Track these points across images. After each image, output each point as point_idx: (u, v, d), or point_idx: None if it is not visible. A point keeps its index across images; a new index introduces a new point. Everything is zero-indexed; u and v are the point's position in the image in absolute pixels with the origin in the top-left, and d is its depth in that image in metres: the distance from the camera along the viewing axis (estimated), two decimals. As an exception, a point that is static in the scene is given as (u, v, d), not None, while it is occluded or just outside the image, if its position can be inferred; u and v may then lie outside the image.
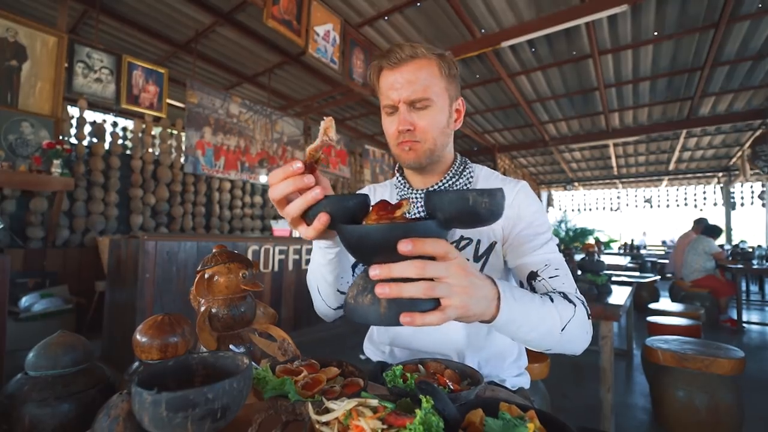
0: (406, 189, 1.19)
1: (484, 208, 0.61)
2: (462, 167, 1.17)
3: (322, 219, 0.66)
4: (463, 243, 1.11)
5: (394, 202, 1.20)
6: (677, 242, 6.89)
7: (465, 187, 1.14)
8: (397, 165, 1.25)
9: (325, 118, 0.71)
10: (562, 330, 0.82)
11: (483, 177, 1.20)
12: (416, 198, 1.15)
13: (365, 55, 5.56)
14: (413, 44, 1.03)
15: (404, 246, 0.56)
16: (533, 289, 1.01)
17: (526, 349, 1.25)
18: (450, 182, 1.14)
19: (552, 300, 0.85)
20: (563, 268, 1.02)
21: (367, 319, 0.61)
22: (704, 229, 6.40)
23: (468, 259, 1.09)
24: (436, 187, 1.13)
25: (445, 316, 0.60)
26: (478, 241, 1.11)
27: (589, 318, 0.91)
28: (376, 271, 0.59)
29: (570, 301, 0.88)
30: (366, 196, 0.70)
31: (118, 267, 3.64)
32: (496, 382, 1.11)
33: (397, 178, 1.24)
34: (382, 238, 0.58)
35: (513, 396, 1.05)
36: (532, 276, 1.01)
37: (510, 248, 1.08)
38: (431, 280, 0.59)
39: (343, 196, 0.68)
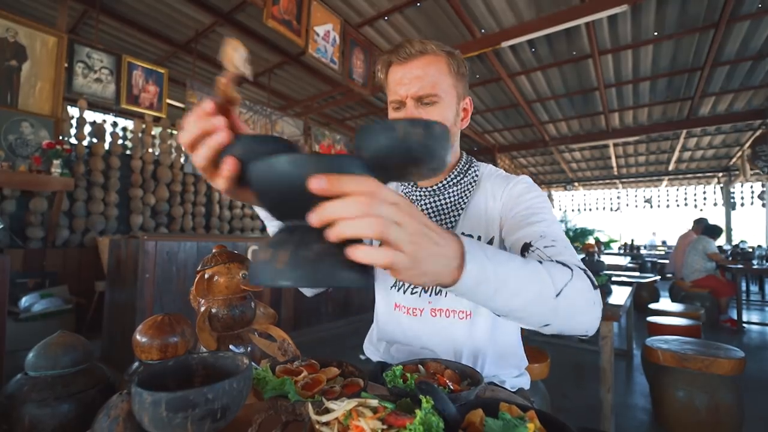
0: (410, 187, 1.18)
1: (417, 142, 0.50)
2: (467, 165, 1.17)
3: (228, 164, 0.56)
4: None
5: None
6: (677, 242, 6.90)
7: (470, 186, 1.14)
8: None
9: (229, 40, 0.62)
10: (557, 295, 0.68)
11: (487, 174, 1.19)
12: (419, 197, 1.15)
13: (365, 55, 5.56)
14: (423, 40, 1.03)
15: (317, 182, 0.44)
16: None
17: (526, 349, 1.25)
18: (455, 180, 1.13)
19: (541, 262, 0.72)
20: (562, 241, 0.92)
21: (293, 278, 0.46)
22: (704, 229, 6.40)
23: None
24: (440, 185, 1.13)
25: (394, 262, 0.48)
26: (479, 237, 1.10)
27: (595, 288, 0.78)
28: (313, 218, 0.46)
29: (566, 265, 0.75)
30: (290, 141, 0.58)
31: (118, 267, 3.64)
32: (495, 383, 1.11)
33: None
34: (292, 174, 0.46)
35: (513, 396, 1.04)
36: (526, 247, 0.93)
37: (506, 231, 1.04)
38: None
39: (260, 137, 0.56)
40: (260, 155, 0.49)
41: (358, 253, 0.46)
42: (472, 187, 1.14)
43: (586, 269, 0.81)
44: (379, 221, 0.46)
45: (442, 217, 1.12)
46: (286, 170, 0.46)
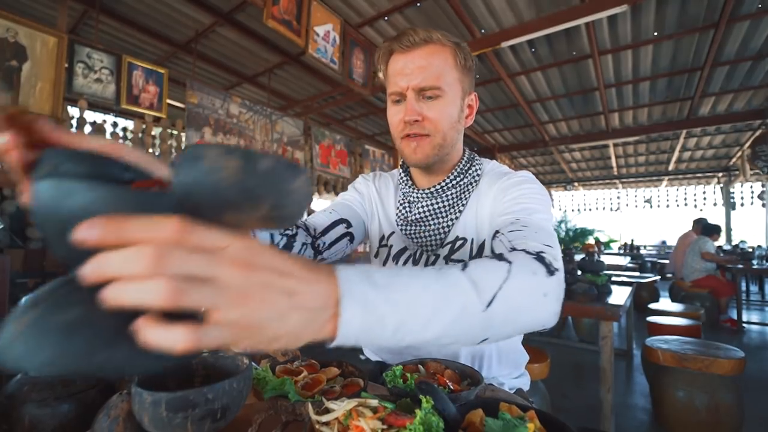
0: (410, 188, 1.14)
1: (226, 180, 0.35)
2: (468, 165, 1.11)
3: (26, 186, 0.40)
4: (458, 243, 1.06)
5: (396, 199, 1.20)
6: (677, 242, 6.90)
7: (470, 186, 1.09)
8: (401, 160, 1.18)
9: None
10: (488, 305, 0.54)
11: (487, 172, 1.13)
12: (418, 198, 1.11)
13: (365, 56, 5.56)
14: (428, 29, 0.96)
15: (88, 228, 0.30)
16: (492, 252, 0.78)
17: (526, 349, 1.24)
18: (455, 180, 1.08)
19: (465, 267, 0.57)
20: (535, 227, 0.80)
21: (30, 356, 0.29)
22: (703, 229, 6.40)
23: (463, 261, 0.80)
24: (439, 186, 1.08)
25: (206, 341, 0.33)
26: (472, 241, 1.06)
27: (552, 274, 0.64)
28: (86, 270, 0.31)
29: (503, 259, 0.63)
30: (127, 165, 0.43)
31: (118, 267, 3.63)
32: (494, 384, 1.10)
33: (401, 175, 1.18)
34: (61, 206, 0.33)
35: (513, 396, 1.04)
36: (494, 236, 0.84)
37: (492, 227, 0.96)
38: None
39: (74, 152, 0.37)
40: (67, 176, 0.34)
41: (143, 335, 0.32)
42: (472, 187, 1.10)
43: (543, 253, 0.68)
44: (172, 282, 0.31)
45: (439, 220, 1.07)
46: (53, 200, 0.32)
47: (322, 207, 1.18)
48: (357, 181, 1.30)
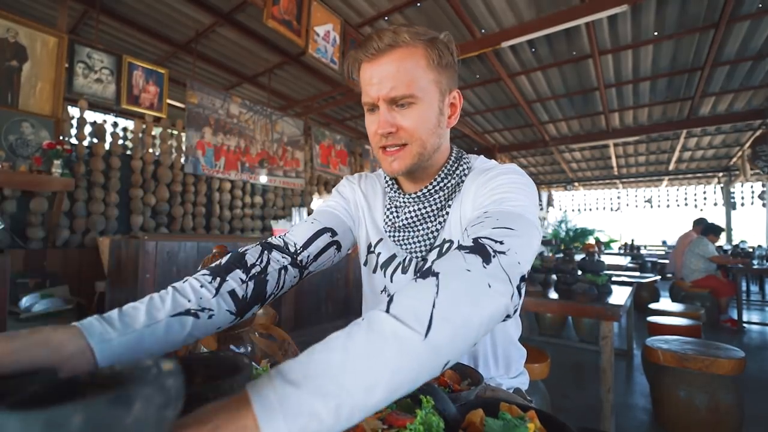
0: (396, 193, 1.10)
1: None
2: (455, 165, 1.06)
3: None
4: (446, 246, 1.04)
5: (383, 200, 1.17)
6: (677, 242, 6.89)
7: (457, 187, 1.05)
8: None
9: None
10: (426, 334, 0.49)
11: (474, 168, 1.09)
12: (405, 203, 1.07)
13: (365, 56, 5.56)
14: (396, 29, 0.89)
15: None
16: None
17: (526, 348, 1.24)
18: (442, 182, 1.04)
19: (390, 303, 0.54)
20: (497, 215, 0.76)
21: None
22: (704, 229, 6.40)
23: None
24: (425, 190, 1.04)
25: None
26: (459, 241, 1.00)
27: (489, 260, 0.61)
28: None
29: (429, 273, 0.58)
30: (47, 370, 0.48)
31: (118, 267, 3.64)
32: (492, 385, 1.10)
33: (386, 178, 1.14)
34: None
35: (513, 396, 1.04)
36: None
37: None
38: None
39: None
40: None
41: None
42: (459, 188, 1.06)
43: (482, 239, 0.66)
44: None
45: (428, 224, 1.04)
46: None
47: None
48: (342, 184, 1.25)
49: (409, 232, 1.05)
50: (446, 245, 1.03)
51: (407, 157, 0.96)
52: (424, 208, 1.04)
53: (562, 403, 3.21)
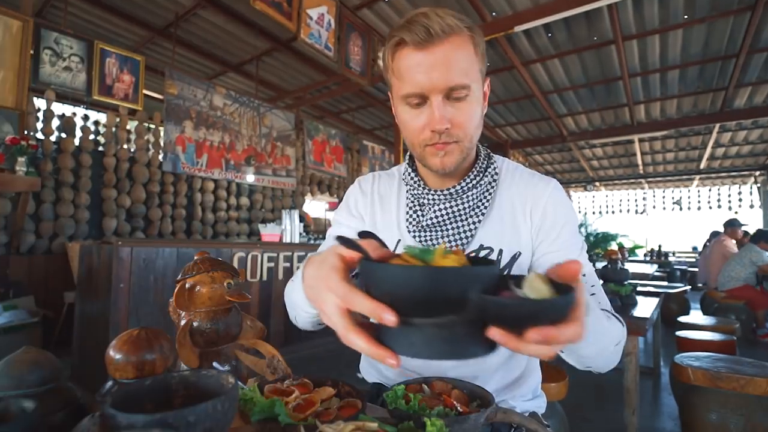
0: (420, 189, 1.10)
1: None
2: (486, 162, 1.10)
3: None
4: (483, 252, 1.06)
5: (402, 201, 1.19)
6: (711, 248, 6.89)
7: (490, 187, 1.09)
8: (408, 156, 1.17)
9: None
10: (615, 345, 0.89)
11: (506, 171, 1.14)
12: (433, 200, 1.08)
13: (363, 41, 5.58)
14: (440, 13, 0.89)
15: (536, 335, 0.47)
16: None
17: (542, 367, 1.24)
18: (477, 179, 1.06)
19: (608, 316, 0.90)
20: (598, 284, 1.03)
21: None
22: (755, 236, 6.39)
23: None
24: (459, 187, 1.05)
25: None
26: (500, 251, 1.05)
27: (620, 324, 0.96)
28: (500, 337, 0.49)
29: (615, 317, 0.94)
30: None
31: (89, 276, 3.64)
32: (504, 408, 1.09)
33: (408, 173, 1.15)
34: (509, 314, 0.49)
35: (526, 419, 1.03)
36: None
37: (541, 251, 1.05)
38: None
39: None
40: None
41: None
42: (492, 188, 1.09)
43: (613, 311, 0.98)
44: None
45: (460, 224, 1.05)
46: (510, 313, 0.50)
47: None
48: (350, 197, 1.27)
49: (436, 231, 1.06)
50: (483, 252, 1.05)
51: (457, 152, 0.99)
52: (456, 206, 1.06)
53: (582, 427, 3.21)
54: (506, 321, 0.49)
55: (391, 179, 1.25)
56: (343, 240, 0.57)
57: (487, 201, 1.07)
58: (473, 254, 1.06)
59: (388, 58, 0.98)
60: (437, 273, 0.50)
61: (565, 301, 0.49)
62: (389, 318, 0.50)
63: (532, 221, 1.07)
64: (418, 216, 1.10)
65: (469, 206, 1.06)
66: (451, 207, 1.06)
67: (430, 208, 1.08)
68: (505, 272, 1.04)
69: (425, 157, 1.01)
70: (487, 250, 1.05)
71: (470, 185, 1.05)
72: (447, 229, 1.06)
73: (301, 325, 1.05)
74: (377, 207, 1.21)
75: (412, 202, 1.13)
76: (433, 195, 1.08)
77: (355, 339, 0.54)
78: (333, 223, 1.27)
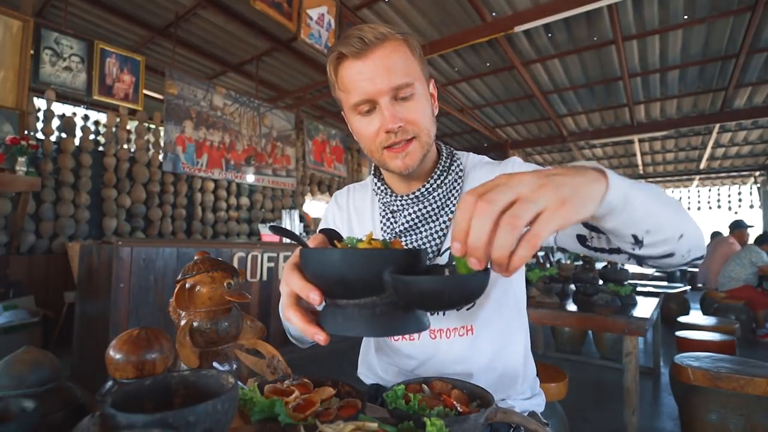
0: (388, 196, 1.13)
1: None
2: (449, 161, 1.12)
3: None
4: None
5: (376, 210, 1.23)
6: (712, 248, 6.89)
7: (456, 184, 1.11)
8: (373, 167, 1.19)
9: None
10: (678, 199, 0.82)
11: (472, 166, 1.16)
12: (402, 206, 1.10)
13: (363, 41, 5.57)
14: (372, 26, 0.94)
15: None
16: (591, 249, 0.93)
17: (542, 367, 1.24)
18: (439, 180, 1.08)
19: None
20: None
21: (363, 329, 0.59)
22: (759, 237, 6.39)
23: None
24: (423, 189, 1.07)
25: (544, 235, 0.50)
26: None
27: None
28: (456, 246, 0.51)
29: None
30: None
31: (89, 276, 3.64)
32: (504, 408, 1.10)
33: (375, 183, 1.18)
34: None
35: (526, 419, 1.04)
36: (582, 239, 0.91)
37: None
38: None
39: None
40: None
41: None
42: (458, 184, 1.11)
43: None
44: (523, 205, 0.51)
45: (432, 225, 1.08)
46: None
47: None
48: (329, 213, 1.33)
49: (410, 235, 1.09)
50: None
51: (417, 150, 1.01)
52: (425, 207, 1.08)
53: (582, 427, 3.21)
54: (413, 298, 0.53)
55: (364, 190, 1.28)
56: (279, 230, 0.64)
57: (455, 198, 1.09)
58: (447, 251, 1.10)
59: (332, 75, 1.03)
60: (348, 254, 0.56)
61: (470, 279, 0.52)
62: (313, 297, 0.58)
63: None
64: (391, 223, 1.13)
65: (438, 206, 1.08)
66: (420, 210, 1.08)
67: (401, 214, 1.11)
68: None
69: (385, 161, 1.03)
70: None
71: (435, 185, 1.08)
72: (420, 232, 1.08)
73: (294, 336, 1.10)
74: (353, 219, 1.25)
75: (384, 210, 1.16)
76: (401, 200, 1.10)
77: (291, 315, 0.63)
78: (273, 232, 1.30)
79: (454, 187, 1.09)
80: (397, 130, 0.97)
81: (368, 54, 0.93)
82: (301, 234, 5.51)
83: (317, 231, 1.34)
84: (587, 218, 0.58)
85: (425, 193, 1.07)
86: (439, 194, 1.08)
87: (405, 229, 1.09)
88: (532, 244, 0.49)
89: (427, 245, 1.07)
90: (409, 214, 1.08)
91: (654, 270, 9.37)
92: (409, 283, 0.52)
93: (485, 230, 0.49)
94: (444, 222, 1.07)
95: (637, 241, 0.73)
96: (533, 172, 0.55)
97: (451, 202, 1.09)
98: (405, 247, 0.61)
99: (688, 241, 0.76)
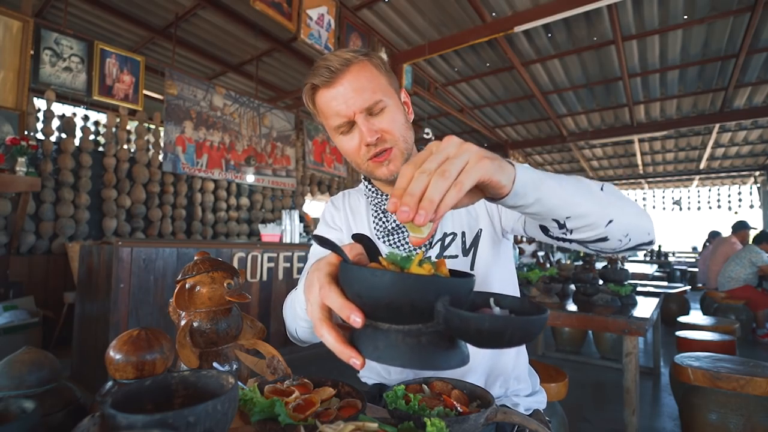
0: (379, 197, 1.22)
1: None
2: None
3: None
4: (447, 239, 1.15)
5: (369, 211, 1.27)
6: (714, 248, 6.89)
7: None
8: (362, 175, 1.28)
9: None
10: (602, 188, 0.83)
11: None
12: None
13: (363, 42, 5.58)
14: (337, 53, 1.05)
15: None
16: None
17: (542, 367, 1.25)
18: None
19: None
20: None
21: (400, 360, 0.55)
22: (758, 237, 6.39)
23: (456, 256, 1.14)
24: None
25: (468, 182, 0.57)
26: (463, 234, 1.15)
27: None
28: (392, 205, 0.56)
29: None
30: None
31: (89, 276, 3.64)
32: (507, 405, 1.11)
33: (367, 187, 1.26)
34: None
35: (527, 419, 1.04)
36: (545, 229, 0.98)
37: (509, 215, 1.12)
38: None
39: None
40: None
41: None
42: None
43: None
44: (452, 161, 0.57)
45: None
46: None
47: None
48: (326, 211, 1.39)
49: (403, 232, 1.17)
50: (448, 238, 1.15)
51: (398, 156, 1.10)
52: None
53: (582, 427, 3.21)
54: (470, 335, 0.50)
55: (359, 194, 1.37)
56: (323, 242, 0.59)
57: None
58: (438, 242, 1.17)
59: (310, 105, 1.15)
60: (402, 279, 0.51)
61: (533, 321, 0.49)
62: (355, 319, 0.54)
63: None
64: (383, 222, 1.21)
65: None
66: None
67: (391, 213, 1.14)
68: (470, 253, 1.15)
69: (372, 171, 1.12)
70: (451, 236, 1.16)
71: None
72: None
73: (301, 337, 1.10)
74: (351, 219, 1.32)
75: (376, 210, 1.24)
76: (388, 199, 1.14)
77: (325, 333, 0.57)
78: (315, 241, 1.33)
79: None
80: (376, 142, 1.06)
81: (337, 80, 1.04)
82: (301, 234, 5.50)
83: (317, 231, 1.37)
84: (503, 188, 0.64)
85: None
86: None
87: (396, 226, 1.17)
88: (458, 189, 0.55)
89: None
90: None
91: (654, 270, 9.39)
92: (468, 320, 0.49)
93: (421, 186, 0.55)
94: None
95: (561, 226, 0.79)
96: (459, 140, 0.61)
97: None
98: (447, 268, 0.59)
99: (621, 227, 0.81)
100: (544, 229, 0.97)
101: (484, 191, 0.64)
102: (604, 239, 0.82)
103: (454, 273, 0.61)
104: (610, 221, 0.79)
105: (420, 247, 1.15)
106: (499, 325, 0.48)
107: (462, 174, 0.56)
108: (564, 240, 0.92)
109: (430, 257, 1.10)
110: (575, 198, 0.76)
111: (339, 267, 0.59)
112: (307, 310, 0.62)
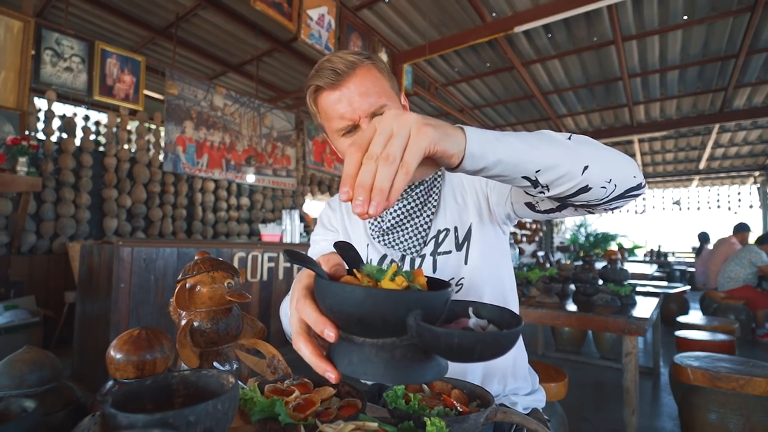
0: None
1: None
2: None
3: None
4: (441, 236, 1.16)
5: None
6: (714, 248, 6.89)
7: (437, 178, 1.19)
8: None
9: None
10: (569, 138, 0.78)
11: None
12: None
13: (364, 42, 5.58)
14: (340, 55, 1.04)
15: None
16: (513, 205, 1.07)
17: (542, 367, 1.25)
18: (418, 180, 1.15)
19: None
20: None
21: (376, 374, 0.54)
22: (761, 238, 6.40)
23: (450, 251, 1.15)
24: (406, 187, 1.14)
25: (413, 161, 0.56)
26: (455, 228, 1.17)
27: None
28: (345, 195, 0.55)
29: None
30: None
31: (90, 276, 3.64)
32: (506, 404, 1.11)
33: None
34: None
35: (527, 419, 1.04)
36: (531, 206, 1.00)
37: (499, 197, 1.12)
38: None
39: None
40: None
41: None
42: (438, 181, 1.19)
43: None
44: (393, 140, 0.56)
45: (416, 220, 1.15)
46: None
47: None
48: (323, 216, 1.39)
49: (397, 231, 1.17)
50: (442, 234, 1.16)
51: None
52: (408, 204, 1.15)
53: (582, 426, 3.21)
54: (441, 350, 0.50)
55: None
56: (294, 256, 0.58)
57: (435, 194, 1.18)
58: (432, 238, 1.19)
59: (312, 107, 1.12)
60: (372, 294, 0.51)
61: (504, 336, 0.50)
62: (329, 333, 0.53)
63: (476, 186, 1.18)
64: (378, 222, 1.21)
65: (420, 202, 1.16)
66: (403, 207, 1.16)
67: (385, 213, 1.18)
68: (464, 247, 1.15)
69: None
70: (444, 232, 1.17)
71: (416, 183, 1.16)
72: (406, 228, 1.16)
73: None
74: (347, 220, 1.33)
75: None
76: None
77: (302, 346, 0.58)
78: (311, 243, 1.39)
79: (434, 184, 1.18)
80: None
81: (343, 83, 1.02)
82: (301, 234, 5.51)
83: (313, 237, 1.39)
84: (453, 156, 0.62)
85: (408, 190, 1.16)
86: (420, 191, 1.16)
87: (391, 226, 1.16)
88: (405, 171, 0.54)
89: (413, 239, 1.16)
90: (394, 211, 1.16)
91: (654, 270, 9.39)
92: (438, 336, 0.49)
93: (370, 176, 0.54)
94: (427, 216, 1.16)
95: (533, 182, 0.75)
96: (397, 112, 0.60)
97: (432, 197, 1.17)
98: (425, 276, 0.59)
99: (601, 172, 0.76)
100: (530, 206, 0.99)
101: (438, 161, 0.63)
102: (586, 188, 0.77)
103: (433, 283, 0.61)
104: (586, 167, 0.75)
105: (409, 251, 1.18)
106: (469, 341, 0.48)
107: (406, 153, 0.55)
108: (550, 211, 0.94)
109: (402, 269, 1.12)
110: (540, 150, 0.72)
111: (314, 281, 0.59)
112: (290, 320, 0.62)
